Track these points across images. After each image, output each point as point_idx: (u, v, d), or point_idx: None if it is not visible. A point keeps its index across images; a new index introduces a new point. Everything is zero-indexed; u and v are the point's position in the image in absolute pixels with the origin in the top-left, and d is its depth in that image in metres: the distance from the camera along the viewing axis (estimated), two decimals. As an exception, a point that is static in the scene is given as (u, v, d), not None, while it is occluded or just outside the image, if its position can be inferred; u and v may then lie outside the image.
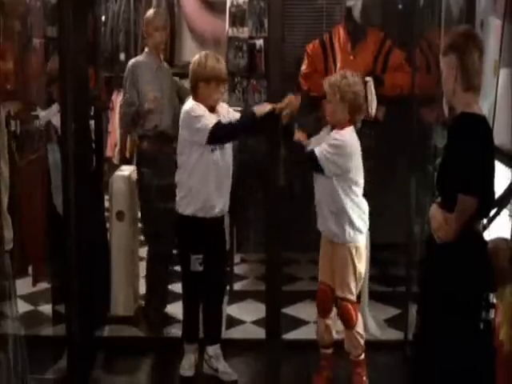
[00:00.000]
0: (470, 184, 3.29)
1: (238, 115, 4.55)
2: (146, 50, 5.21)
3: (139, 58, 5.25)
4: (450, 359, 3.38)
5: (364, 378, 4.38)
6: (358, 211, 4.29)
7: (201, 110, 4.36)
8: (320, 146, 4.22)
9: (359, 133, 4.32)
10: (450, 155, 3.41)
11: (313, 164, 4.23)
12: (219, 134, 4.31)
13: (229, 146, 4.48)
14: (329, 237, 4.35)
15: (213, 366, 4.64)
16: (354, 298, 4.33)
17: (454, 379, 3.40)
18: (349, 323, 4.33)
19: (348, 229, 4.26)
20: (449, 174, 3.41)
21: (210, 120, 4.31)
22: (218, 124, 4.30)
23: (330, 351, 4.49)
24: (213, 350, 4.64)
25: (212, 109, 4.44)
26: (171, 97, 5.18)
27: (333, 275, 4.36)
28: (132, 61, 5.23)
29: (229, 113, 4.55)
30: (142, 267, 5.36)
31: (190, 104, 4.45)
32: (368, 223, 4.38)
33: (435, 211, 3.48)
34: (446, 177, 3.46)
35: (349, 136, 4.26)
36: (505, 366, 3.30)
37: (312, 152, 4.22)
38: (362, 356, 4.39)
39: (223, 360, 4.64)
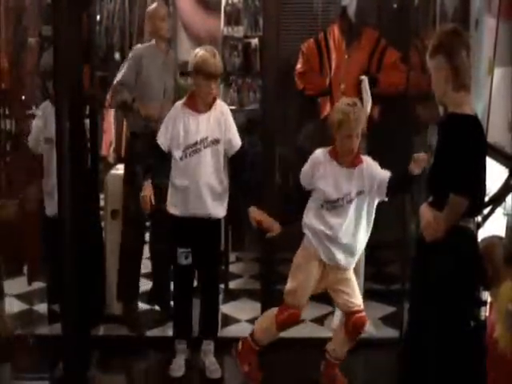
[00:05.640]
0: (461, 184, 3.30)
1: (232, 125, 4.45)
2: (153, 42, 5.08)
3: (146, 47, 5.10)
4: (441, 357, 3.39)
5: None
6: None
7: (170, 117, 4.40)
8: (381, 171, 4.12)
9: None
10: (440, 156, 3.42)
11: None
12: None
13: (208, 153, 4.36)
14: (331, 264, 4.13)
15: (202, 361, 4.60)
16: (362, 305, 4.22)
17: (445, 377, 3.41)
18: (359, 334, 4.21)
19: (357, 257, 4.19)
20: (440, 174, 3.42)
21: (165, 136, 4.37)
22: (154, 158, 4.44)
23: None
24: (205, 344, 4.61)
25: (208, 106, 4.40)
26: (172, 93, 5.13)
27: (315, 291, 4.21)
28: (140, 47, 5.12)
29: (225, 115, 4.44)
30: (143, 266, 5.35)
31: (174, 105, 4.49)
32: None
33: (425, 210, 3.48)
34: (436, 177, 3.47)
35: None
36: (498, 364, 3.30)
37: (411, 176, 3.93)
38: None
39: (212, 356, 4.58)
